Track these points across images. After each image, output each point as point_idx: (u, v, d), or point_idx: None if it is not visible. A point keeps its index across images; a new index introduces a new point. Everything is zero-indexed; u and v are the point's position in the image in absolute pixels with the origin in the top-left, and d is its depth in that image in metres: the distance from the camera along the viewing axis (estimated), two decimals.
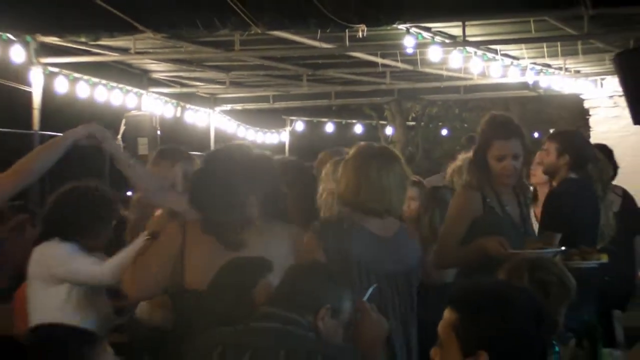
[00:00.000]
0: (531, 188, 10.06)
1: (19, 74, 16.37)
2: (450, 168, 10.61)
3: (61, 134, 10.82)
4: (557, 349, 7.00)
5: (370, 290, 6.61)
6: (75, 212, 7.74)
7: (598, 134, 19.38)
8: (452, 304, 4.48)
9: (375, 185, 7.57)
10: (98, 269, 7.50)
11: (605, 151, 10.97)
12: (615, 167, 11.17)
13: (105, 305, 7.98)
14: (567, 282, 6.81)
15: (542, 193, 10.43)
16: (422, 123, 32.57)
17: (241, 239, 7.01)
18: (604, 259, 8.44)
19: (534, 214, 10.14)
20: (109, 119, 19.94)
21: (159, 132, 19.38)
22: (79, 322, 7.54)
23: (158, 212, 8.21)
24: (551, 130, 11.18)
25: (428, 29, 16.35)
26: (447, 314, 4.49)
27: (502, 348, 4.33)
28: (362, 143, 8.58)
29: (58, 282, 7.55)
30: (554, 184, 10.07)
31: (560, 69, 20.48)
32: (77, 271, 7.57)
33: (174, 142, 20.66)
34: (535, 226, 9.26)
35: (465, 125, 33.44)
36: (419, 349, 7.24)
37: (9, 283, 9.05)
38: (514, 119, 8.28)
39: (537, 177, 10.70)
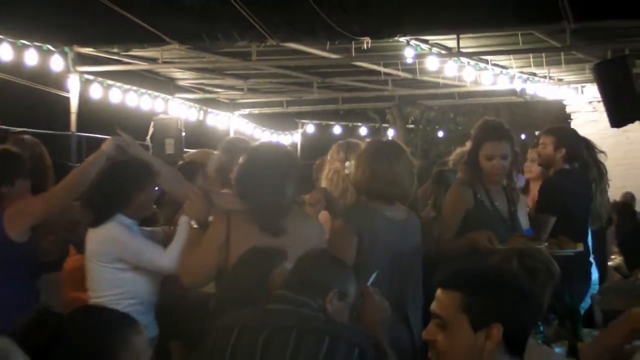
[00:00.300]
0: (518, 184, 10.09)
1: (58, 81, 16.35)
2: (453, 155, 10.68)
3: (95, 135, 10.69)
4: (541, 328, 7.02)
5: (373, 276, 6.64)
6: (122, 185, 7.73)
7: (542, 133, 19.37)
8: (452, 286, 4.49)
9: (388, 173, 7.67)
10: (162, 257, 7.52)
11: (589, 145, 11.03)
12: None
13: (155, 290, 8.01)
14: (552, 270, 6.82)
15: (535, 187, 10.49)
16: (421, 126, 32.51)
17: (282, 225, 7.17)
18: (580, 247, 8.46)
19: (527, 202, 10.17)
20: (139, 122, 19.95)
21: (183, 134, 19.37)
22: (127, 304, 7.45)
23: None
24: (537, 133, 11.20)
25: (426, 41, 16.33)
26: (447, 296, 4.49)
27: (511, 320, 4.37)
28: (372, 139, 8.72)
29: (119, 263, 7.55)
30: (550, 173, 10.19)
31: (544, 77, 20.45)
32: (142, 257, 7.59)
33: (197, 142, 20.77)
34: (524, 218, 9.26)
35: (459, 128, 33.44)
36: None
37: (59, 254, 8.96)
38: (504, 123, 8.34)
39: (532, 172, 10.80)
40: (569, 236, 9.38)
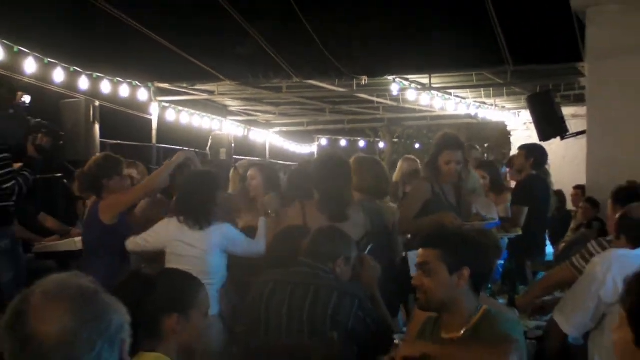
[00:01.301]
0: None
1: (144, 108, 16.32)
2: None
3: (169, 146, 10.62)
4: (490, 286, 7.00)
5: (369, 247, 6.66)
6: (214, 195, 7.49)
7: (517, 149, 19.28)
8: (431, 244, 4.63)
9: (379, 177, 8.07)
10: (259, 245, 7.38)
11: None
12: None
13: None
14: (499, 245, 6.84)
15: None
16: (403, 140, 32.43)
17: (346, 213, 7.25)
18: (519, 232, 8.41)
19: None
20: (201, 137, 19.91)
21: (233, 145, 19.35)
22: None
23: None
24: (486, 145, 11.20)
25: (407, 79, 16.25)
26: (428, 252, 4.61)
27: (476, 266, 4.52)
28: (357, 155, 8.80)
29: (225, 254, 7.41)
30: (522, 177, 10.33)
31: (492, 105, 20.39)
32: (247, 248, 7.43)
33: (242, 151, 20.73)
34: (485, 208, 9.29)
35: (431, 141, 33.57)
36: None
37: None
38: (459, 137, 8.37)
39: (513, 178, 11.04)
40: (536, 222, 9.64)
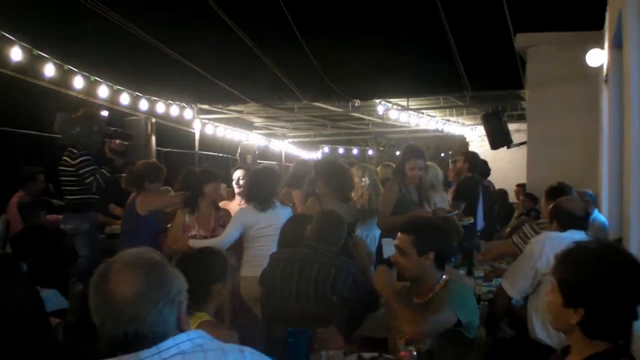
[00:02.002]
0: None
1: (189, 123, 16.32)
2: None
3: (208, 153, 10.58)
4: (453, 260, 6.99)
5: (359, 231, 6.67)
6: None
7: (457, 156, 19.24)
8: (407, 231, 4.66)
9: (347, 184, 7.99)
10: None
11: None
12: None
13: None
14: (459, 229, 6.84)
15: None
16: (387, 148, 32.31)
17: (349, 197, 7.84)
18: (471, 220, 8.40)
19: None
20: (233, 146, 19.84)
21: (257, 152, 19.28)
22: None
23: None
24: (450, 152, 11.18)
25: (390, 102, 16.22)
26: (404, 237, 4.66)
27: (439, 250, 4.61)
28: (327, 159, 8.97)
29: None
30: (461, 178, 10.18)
31: (455, 122, 20.35)
32: None
33: (264, 158, 20.71)
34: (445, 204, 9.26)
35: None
36: None
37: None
38: (430, 145, 8.36)
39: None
40: (470, 213, 9.44)
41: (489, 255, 7.64)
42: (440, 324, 4.42)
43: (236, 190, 8.58)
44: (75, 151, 9.06)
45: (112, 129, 9.50)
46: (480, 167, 10.61)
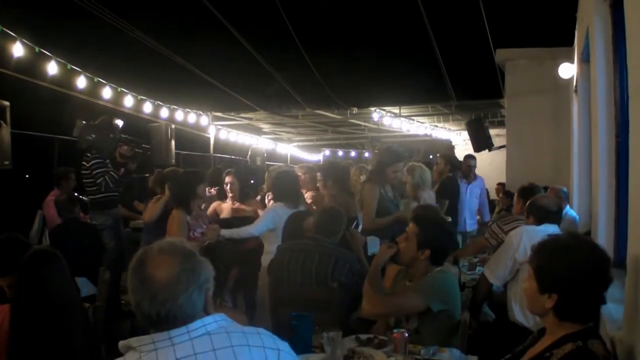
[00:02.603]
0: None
1: (204, 129, 16.34)
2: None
3: (221, 155, 10.59)
4: None
5: (355, 222, 6.64)
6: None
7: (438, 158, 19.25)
8: (417, 222, 4.65)
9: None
10: None
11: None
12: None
13: None
14: (456, 240, 6.88)
15: None
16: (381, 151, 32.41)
17: (352, 192, 7.88)
18: (449, 219, 8.32)
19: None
20: (244, 150, 19.92)
21: (265, 155, 19.39)
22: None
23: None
24: (438, 155, 11.13)
25: (384, 110, 16.25)
26: (413, 225, 4.66)
27: (436, 247, 4.57)
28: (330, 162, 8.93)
29: None
30: (443, 178, 10.07)
31: (442, 128, 20.38)
32: None
33: (272, 159, 20.74)
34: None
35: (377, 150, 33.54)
36: None
37: None
38: (403, 150, 8.19)
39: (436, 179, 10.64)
40: (452, 210, 9.53)
41: (466, 253, 7.60)
42: (404, 309, 4.50)
43: (229, 193, 8.45)
44: (89, 155, 9.15)
45: (124, 136, 9.49)
46: (459, 166, 10.58)
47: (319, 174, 8.43)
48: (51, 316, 3.89)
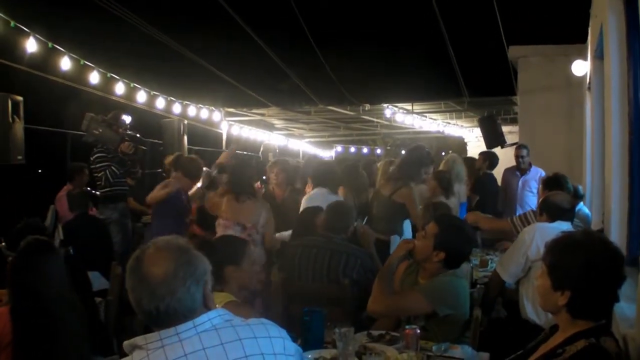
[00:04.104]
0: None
1: (217, 125, 16.34)
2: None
3: (236, 151, 10.60)
4: None
5: (366, 219, 6.68)
6: None
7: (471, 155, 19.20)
8: (439, 223, 4.62)
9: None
10: None
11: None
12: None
13: None
14: (475, 238, 6.81)
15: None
16: (393, 147, 32.31)
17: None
18: None
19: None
20: (256, 145, 19.99)
21: (277, 151, 19.47)
22: None
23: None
24: (450, 151, 11.13)
25: (396, 106, 16.25)
26: (434, 225, 4.62)
27: (450, 251, 4.54)
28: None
29: None
30: (480, 174, 10.34)
31: (455, 124, 20.36)
32: None
33: (283, 155, 20.73)
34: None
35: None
36: None
37: None
38: (432, 146, 8.33)
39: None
40: (488, 205, 9.62)
41: (484, 224, 7.20)
42: (408, 311, 4.53)
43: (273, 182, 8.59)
44: (95, 149, 9.26)
45: (129, 133, 9.52)
46: (497, 163, 10.64)
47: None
48: (44, 306, 3.89)
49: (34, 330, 3.82)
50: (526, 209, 9.43)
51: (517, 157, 10.27)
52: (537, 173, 10.11)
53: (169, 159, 9.54)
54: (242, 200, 6.82)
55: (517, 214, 9.25)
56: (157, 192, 7.89)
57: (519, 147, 10.46)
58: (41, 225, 5.47)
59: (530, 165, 10.26)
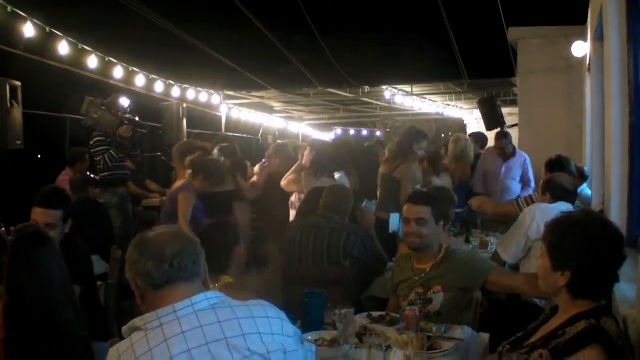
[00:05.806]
0: None
1: (216, 108, 16.30)
2: None
3: (234, 134, 10.57)
4: (452, 228, 6.98)
5: (365, 202, 6.72)
6: None
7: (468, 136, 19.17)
8: (425, 203, 4.66)
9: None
10: None
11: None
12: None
13: None
14: (454, 198, 6.77)
15: None
16: (393, 130, 32.18)
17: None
18: None
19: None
20: (255, 128, 19.97)
21: (277, 134, 19.48)
22: None
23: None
24: (450, 133, 11.16)
25: (396, 88, 16.20)
26: (422, 208, 4.63)
27: (448, 218, 5.08)
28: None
29: None
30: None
31: (454, 106, 20.31)
32: None
33: (283, 137, 20.72)
34: None
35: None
36: None
37: None
38: (432, 127, 8.43)
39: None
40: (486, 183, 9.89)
41: (488, 207, 7.22)
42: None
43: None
44: (94, 133, 9.28)
45: (128, 116, 9.49)
46: (486, 145, 10.87)
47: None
48: (39, 299, 3.79)
49: (28, 326, 3.72)
50: (511, 195, 9.55)
51: (498, 148, 10.05)
52: (521, 157, 10.01)
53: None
54: (319, 177, 7.55)
55: (505, 199, 9.39)
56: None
57: (499, 137, 10.20)
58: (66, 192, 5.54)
59: (514, 150, 10.10)
